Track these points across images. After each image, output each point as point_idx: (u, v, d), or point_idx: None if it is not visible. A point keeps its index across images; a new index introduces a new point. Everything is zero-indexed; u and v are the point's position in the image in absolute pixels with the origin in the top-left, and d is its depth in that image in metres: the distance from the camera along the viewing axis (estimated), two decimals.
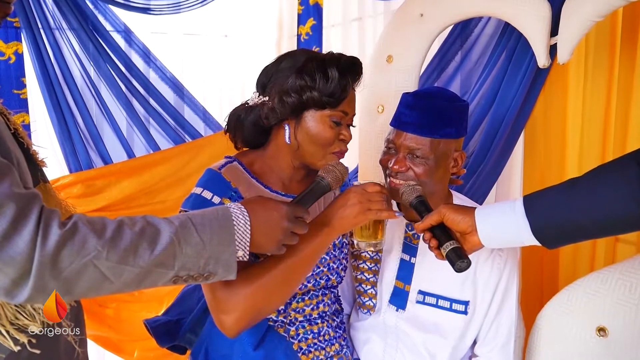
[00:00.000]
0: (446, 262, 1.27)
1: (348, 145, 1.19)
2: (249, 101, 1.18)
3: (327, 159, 1.13)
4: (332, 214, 1.07)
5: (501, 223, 0.99)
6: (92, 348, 2.07)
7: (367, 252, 1.32)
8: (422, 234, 1.08)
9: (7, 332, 0.86)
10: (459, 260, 0.99)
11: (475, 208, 1.03)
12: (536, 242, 0.96)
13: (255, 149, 1.22)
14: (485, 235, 1.00)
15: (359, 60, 1.16)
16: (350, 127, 1.19)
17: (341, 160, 1.15)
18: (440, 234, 1.03)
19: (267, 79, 1.15)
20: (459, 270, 0.99)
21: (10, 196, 0.71)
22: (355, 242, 1.16)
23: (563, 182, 0.96)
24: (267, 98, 1.13)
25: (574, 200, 0.92)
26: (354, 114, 1.18)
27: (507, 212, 0.98)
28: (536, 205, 0.96)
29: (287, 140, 1.14)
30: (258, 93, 1.17)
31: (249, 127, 1.16)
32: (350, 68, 1.13)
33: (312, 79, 1.09)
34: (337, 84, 1.09)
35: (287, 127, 1.14)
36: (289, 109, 1.11)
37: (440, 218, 1.04)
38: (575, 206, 0.91)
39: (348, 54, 1.16)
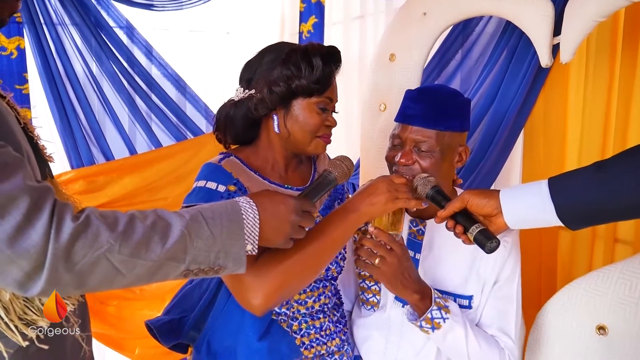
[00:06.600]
0: (449, 258, 1.29)
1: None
2: (234, 97, 1.20)
3: (314, 144, 1.18)
4: (360, 200, 1.09)
5: (527, 204, 0.99)
6: (94, 345, 2.05)
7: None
8: (445, 222, 1.07)
9: (16, 327, 0.85)
10: (489, 241, 0.99)
11: (498, 190, 1.03)
12: (560, 223, 0.97)
13: (246, 145, 1.24)
14: (510, 217, 1.01)
15: (337, 49, 1.20)
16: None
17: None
18: (464, 220, 1.03)
19: (252, 73, 1.18)
20: (489, 250, 0.99)
21: (25, 189, 0.70)
22: (372, 230, 1.16)
23: (588, 166, 0.95)
24: (254, 91, 1.16)
25: (601, 183, 0.91)
26: (337, 101, 1.23)
27: (533, 194, 0.98)
28: (562, 188, 0.96)
29: (276, 129, 1.17)
30: (243, 88, 1.20)
31: (239, 122, 1.19)
32: (331, 56, 1.17)
33: (298, 68, 1.12)
34: (322, 72, 1.13)
35: (275, 117, 1.17)
36: (278, 98, 1.14)
37: (463, 204, 1.04)
38: (603, 189, 0.91)
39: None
